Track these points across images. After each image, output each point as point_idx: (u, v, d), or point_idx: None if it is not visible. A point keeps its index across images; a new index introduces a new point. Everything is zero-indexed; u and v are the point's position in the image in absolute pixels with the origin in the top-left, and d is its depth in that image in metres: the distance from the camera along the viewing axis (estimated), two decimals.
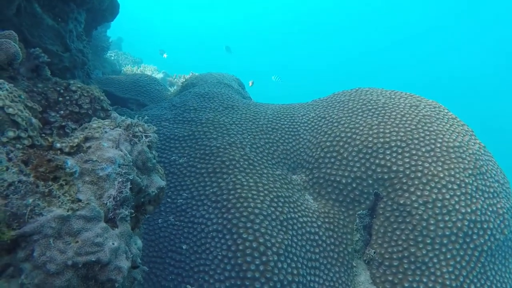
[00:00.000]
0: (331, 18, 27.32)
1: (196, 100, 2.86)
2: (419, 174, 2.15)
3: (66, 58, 2.60)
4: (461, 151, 2.25)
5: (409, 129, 2.31)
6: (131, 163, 1.41)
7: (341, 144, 2.35)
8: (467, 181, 2.15)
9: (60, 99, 1.85)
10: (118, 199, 1.32)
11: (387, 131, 2.30)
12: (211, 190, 2.11)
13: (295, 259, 1.92)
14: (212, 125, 2.52)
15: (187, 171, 2.25)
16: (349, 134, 2.36)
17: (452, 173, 2.15)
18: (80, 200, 1.23)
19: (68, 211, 1.17)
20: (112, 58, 7.50)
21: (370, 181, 2.21)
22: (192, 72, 5.74)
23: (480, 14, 21.97)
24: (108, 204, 1.29)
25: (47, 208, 1.13)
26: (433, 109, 2.48)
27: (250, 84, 5.98)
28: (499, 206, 2.17)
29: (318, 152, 2.40)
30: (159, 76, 7.47)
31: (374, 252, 2.13)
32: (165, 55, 10.22)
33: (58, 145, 1.35)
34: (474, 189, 2.15)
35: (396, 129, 2.31)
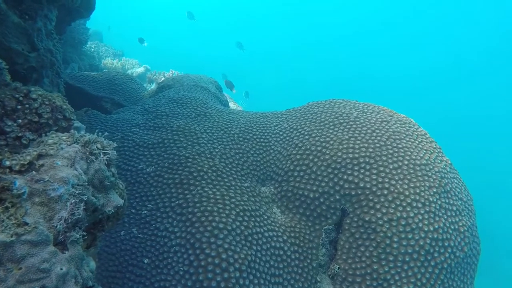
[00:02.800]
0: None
1: (169, 105, 2.81)
2: (385, 192, 2.17)
3: (32, 58, 2.50)
4: (428, 169, 2.28)
5: (378, 145, 2.32)
6: (86, 183, 1.37)
7: (310, 157, 2.35)
8: (431, 199, 2.19)
9: (19, 107, 1.78)
10: (69, 221, 1.28)
11: (357, 146, 2.32)
12: (177, 202, 2.09)
13: (258, 275, 1.92)
14: (183, 133, 2.48)
15: (154, 181, 2.21)
16: (319, 148, 2.36)
17: (418, 191, 2.18)
18: (27, 224, 1.18)
19: (11, 236, 1.13)
20: (92, 50, 7.30)
21: (338, 197, 2.23)
22: (172, 70, 5.65)
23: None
24: (58, 226, 1.25)
25: None
26: (403, 125, 2.50)
27: (234, 91, 5.92)
28: (460, 224, 2.22)
29: (288, 165, 2.39)
30: (140, 70, 7.33)
31: (339, 268, 2.15)
32: (145, 44, 9.95)
33: (8, 162, 1.30)
34: (438, 207, 2.19)
35: (366, 145, 2.33)
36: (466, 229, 2.23)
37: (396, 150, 2.32)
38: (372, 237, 2.12)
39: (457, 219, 2.24)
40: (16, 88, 1.86)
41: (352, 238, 2.16)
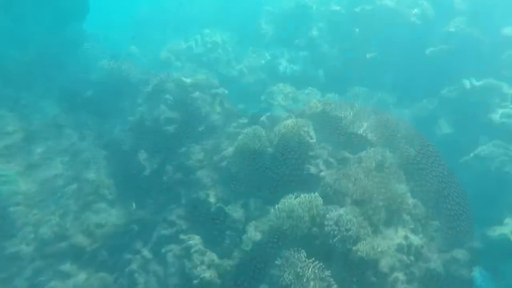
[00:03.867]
0: None
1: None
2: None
3: (25, 63, 2.45)
4: (425, 173, 2.26)
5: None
6: None
7: None
8: (429, 204, 2.18)
9: None
10: None
11: None
12: None
13: None
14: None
15: None
16: None
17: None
18: None
19: None
20: (89, 51, 7.24)
21: None
22: (168, 72, 5.62)
23: None
24: None
25: None
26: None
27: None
28: (458, 229, 2.21)
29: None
30: (136, 71, 7.22)
31: None
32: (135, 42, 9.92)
33: None
34: (436, 212, 2.18)
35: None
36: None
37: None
38: None
39: (455, 224, 2.23)
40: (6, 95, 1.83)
41: None
